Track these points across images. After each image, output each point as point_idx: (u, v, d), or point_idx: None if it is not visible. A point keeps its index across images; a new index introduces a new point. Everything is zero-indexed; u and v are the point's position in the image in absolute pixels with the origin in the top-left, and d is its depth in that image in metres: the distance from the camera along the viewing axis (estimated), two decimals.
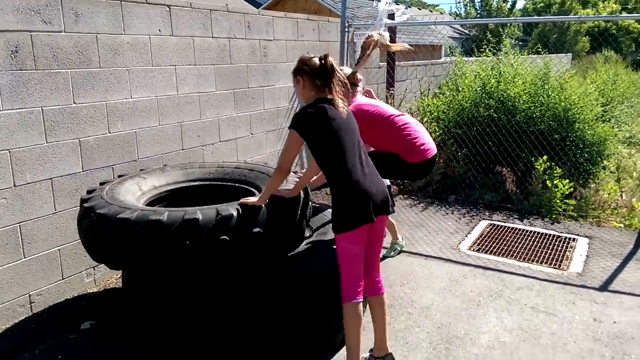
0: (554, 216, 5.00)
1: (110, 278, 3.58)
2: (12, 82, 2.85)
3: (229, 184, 3.37)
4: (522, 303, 3.32)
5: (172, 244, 2.42)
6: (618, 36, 33.94)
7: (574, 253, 4.15)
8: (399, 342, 2.89)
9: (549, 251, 4.20)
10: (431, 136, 3.50)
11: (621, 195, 5.24)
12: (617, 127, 6.08)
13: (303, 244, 2.97)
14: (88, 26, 3.21)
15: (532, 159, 5.34)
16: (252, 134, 4.75)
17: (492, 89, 5.93)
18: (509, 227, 4.75)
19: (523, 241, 4.42)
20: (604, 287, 3.54)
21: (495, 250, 4.22)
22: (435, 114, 6.15)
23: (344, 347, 2.52)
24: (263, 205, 2.56)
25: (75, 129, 3.21)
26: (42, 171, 3.06)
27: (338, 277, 2.47)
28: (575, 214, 4.99)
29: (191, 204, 3.26)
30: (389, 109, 3.40)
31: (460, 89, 6.45)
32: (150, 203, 3.10)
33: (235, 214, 2.48)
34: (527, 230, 4.66)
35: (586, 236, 4.51)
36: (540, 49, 9.55)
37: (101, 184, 3.08)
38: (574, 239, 4.45)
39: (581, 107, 5.59)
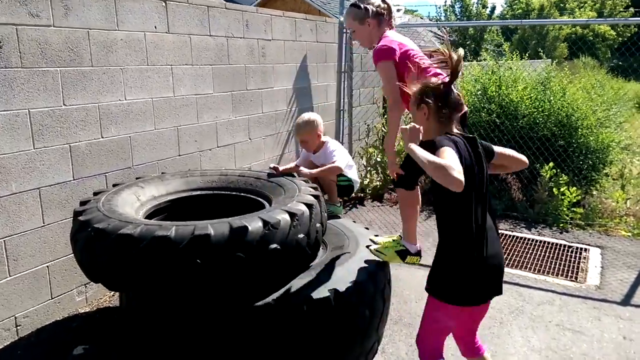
0: (561, 225, 4.86)
1: (102, 296, 3.28)
2: None
3: (233, 193, 3.11)
4: (546, 320, 3.14)
5: (181, 262, 2.16)
6: (595, 42, 34.66)
7: (589, 264, 4.01)
8: None
9: (563, 262, 4.04)
10: None
11: (626, 203, 5.14)
12: (617, 132, 6.00)
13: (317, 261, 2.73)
14: (79, 20, 2.93)
15: (537, 166, 5.21)
16: (250, 138, 4.49)
17: (493, 93, 5.79)
18: (517, 237, 4.59)
19: (534, 252, 4.26)
20: (626, 302, 3.39)
21: (508, 262, 4.04)
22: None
23: None
24: (282, 219, 2.32)
25: (66, 134, 2.92)
26: (29, 180, 2.76)
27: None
28: (583, 223, 4.87)
29: (194, 215, 3.01)
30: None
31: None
32: (150, 215, 2.83)
33: (250, 228, 2.23)
34: (536, 240, 4.51)
35: (597, 246, 4.38)
36: (521, 55, 9.54)
37: (95, 193, 2.80)
38: (585, 249, 4.31)
39: (584, 112, 5.49)
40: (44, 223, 2.86)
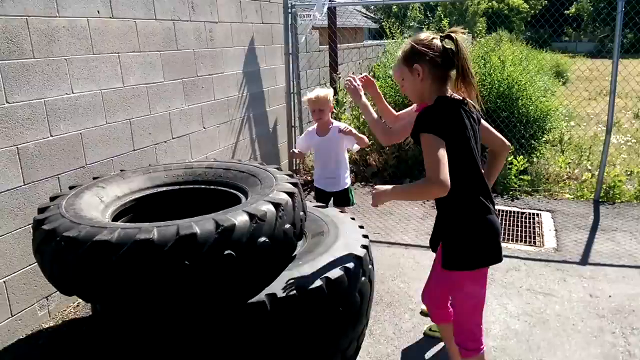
0: (510, 192, 5.09)
1: (66, 308, 3.04)
2: None
3: (203, 187, 2.96)
4: (517, 286, 3.28)
5: (167, 266, 2.02)
6: (510, 16, 36.36)
7: (543, 228, 4.23)
8: (411, 344, 2.71)
9: (519, 228, 4.24)
10: None
11: (567, 167, 5.46)
12: (552, 101, 6.34)
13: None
14: (16, 7, 2.63)
15: None
16: (204, 127, 4.30)
17: None
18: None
19: None
20: (584, 261, 3.61)
21: None
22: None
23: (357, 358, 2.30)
24: (268, 210, 2.23)
25: (12, 134, 2.63)
26: None
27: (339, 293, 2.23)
28: (530, 189, 5.12)
29: (164, 214, 2.83)
30: None
31: None
32: (116, 216, 2.63)
33: (237, 222, 2.12)
34: None
35: (548, 210, 4.63)
36: (445, 28, 9.84)
37: (52, 198, 2.55)
38: (537, 214, 4.55)
39: (523, 83, 5.74)
40: None
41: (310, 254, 2.58)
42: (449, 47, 1.85)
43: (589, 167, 5.51)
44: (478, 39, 8.24)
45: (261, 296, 2.20)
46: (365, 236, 2.72)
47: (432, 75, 1.89)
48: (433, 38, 1.89)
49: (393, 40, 7.89)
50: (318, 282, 2.29)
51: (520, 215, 4.54)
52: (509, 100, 5.60)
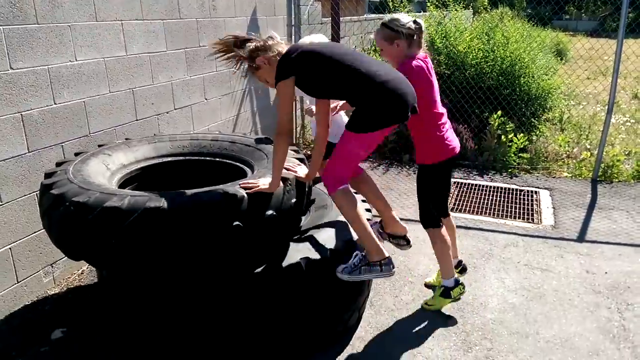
0: (509, 170, 5.12)
1: (71, 275, 3.07)
2: None
3: (208, 159, 2.96)
4: (515, 261, 3.34)
5: (176, 234, 2.04)
6: None
7: (541, 206, 4.28)
8: (412, 316, 2.77)
9: (518, 205, 4.28)
10: None
11: (566, 146, 5.48)
12: (554, 79, 6.33)
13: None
14: None
15: (485, 115, 5.40)
16: (206, 99, 4.27)
17: (440, 45, 5.86)
18: (472, 184, 4.79)
19: (491, 197, 4.47)
20: (581, 238, 3.67)
21: (468, 208, 4.22)
22: None
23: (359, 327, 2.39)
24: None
25: (16, 101, 2.61)
26: None
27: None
28: (529, 167, 5.15)
29: (170, 183, 2.85)
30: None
31: None
32: (122, 185, 2.64)
33: (246, 195, 2.14)
34: (490, 186, 4.73)
35: (546, 188, 4.67)
36: (449, 3, 9.73)
37: (58, 164, 2.55)
38: (535, 192, 4.59)
39: (526, 60, 5.72)
40: (1, 202, 2.59)
41: (314, 226, 2.62)
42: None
43: (588, 147, 5.54)
44: (481, 15, 8.15)
45: (267, 266, 2.24)
46: (368, 210, 2.76)
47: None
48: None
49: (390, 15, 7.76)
50: (322, 252, 2.34)
51: (518, 192, 4.58)
52: (511, 78, 5.59)
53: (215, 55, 2.31)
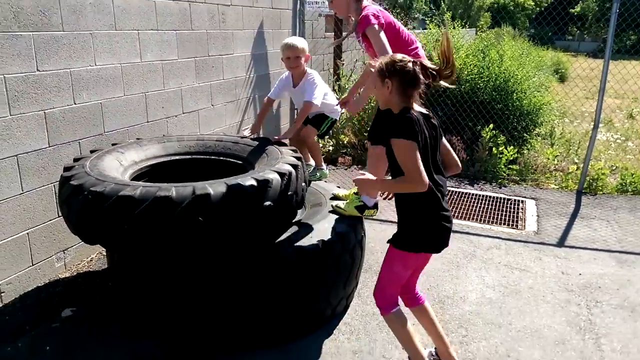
0: (499, 181, 5.37)
1: (80, 262, 3.32)
2: None
3: (213, 157, 3.22)
4: (496, 262, 3.57)
5: (183, 221, 2.29)
6: (515, 12, 36.40)
7: (526, 214, 4.51)
8: None
9: (504, 213, 4.52)
10: None
11: (555, 160, 5.73)
12: (545, 96, 6.59)
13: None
14: None
15: (478, 128, 5.66)
16: (212, 105, 4.55)
17: (438, 60, 6.13)
18: (463, 193, 5.04)
19: (479, 205, 4.71)
20: (561, 243, 3.90)
21: (457, 214, 4.46)
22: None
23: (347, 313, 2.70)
24: (274, 178, 2.49)
25: (40, 100, 2.89)
26: (7, 147, 2.73)
27: (330, 253, 2.53)
28: (518, 178, 5.40)
29: (177, 179, 3.10)
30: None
31: None
32: (134, 179, 2.89)
33: (246, 186, 2.39)
34: (479, 195, 4.97)
35: (532, 198, 4.91)
36: (448, 21, 10.07)
37: (76, 159, 2.81)
38: (522, 201, 4.83)
39: (518, 78, 5.99)
40: (22, 190, 2.85)
41: (308, 220, 2.87)
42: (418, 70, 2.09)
43: (576, 161, 5.78)
44: (479, 34, 8.48)
45: (265, 251, 2.49)
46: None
47: (400, 90, 2.11)
48: (408, 61, 2.10)
49: None
50: (314, 243, 2.59)
51: (505, 201, 4.82)
52: (504, 93, 5.85)
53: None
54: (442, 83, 2.23)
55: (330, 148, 6.06)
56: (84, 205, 2.37)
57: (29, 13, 2.77)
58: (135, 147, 3.08)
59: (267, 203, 2.45)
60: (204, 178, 2.93)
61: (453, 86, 2.28)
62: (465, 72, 5.92)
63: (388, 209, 4.51)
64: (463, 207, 4.65)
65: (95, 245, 2.59)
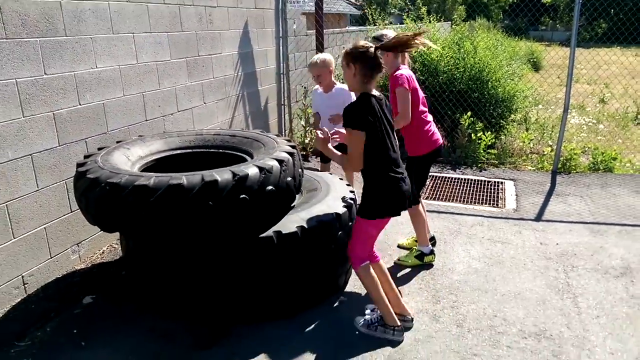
0: (479, 165, 5.67)
1: (94, 254, 3.49)
2: None
3: (212, 150, 3.43)
4: (480, 237, 3.85)
5: (193, 206, 2.50)
6: (489, 5, 37.03)
7: (506, 194, 4.81)
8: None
9: (485, 194, 4.81)
10: None
11: (530, 143, 6.06)
12: (519, 84, 6.92)
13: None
14: None
15: (457, 116, 5.95)
16: (205, 103, 4.74)
17: (415, 54, 6.41)
18: (446, 177, 5.32)
19: (461, 188, 5.00)
20: (538, 218, 4.20)
21: (441, 197, 4.74)
22: None
23: (346, 288, 2.98)
24: (274, 165, 2.71)
25: (49, 102, 3.06)
26: (22, 147, 2.90)
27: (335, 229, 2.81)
28: (496, 162, 5.70)
29: (181, 172, 3.30)
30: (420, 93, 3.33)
31: None
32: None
33: (250, 173, 2.61)
34: (461, 179, 5.26)
35: (511, 179, 5.21)
36: (423, 16, 10.38)
37: (86, 156, 3.00)
38: (501, 182, 5.13)
39: (493, 67, 6.30)
40: (38, 187, 3.02)
41: (306, 204, 3.10)
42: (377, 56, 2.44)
43: (550, 143, 6.12)
44: (454, 27, 8.79)
45: (269, 232, 2.71)
46: (352, 192, 3.26)
47: (362, 74, 2.46)
48: (369, 47, 2.45)
49: (375, 27, 8.38)
50: (313, 223, 2.82)
51: (486, 183, 5.12)
52: (480, 83, 6.15)
53: None
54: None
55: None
56: (102, 196, 2.56)
57: (35, 20, 2.94)
58: (140, 143, 3.27)
59: (269, 188, 2.68)
60: (206, 169, 3.15)
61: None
62: (442, 64, 6.20)
63: None
64: (447, 190, 4.93)
65: (114, 233, 2.78)
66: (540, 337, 2.63)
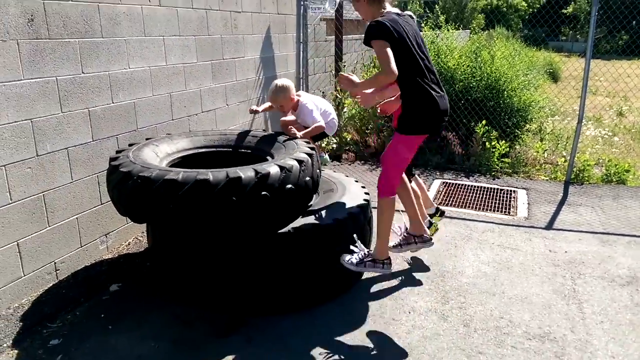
0: (493, 173, 5.76)
1: (120, 245, 3.68)
2: (30, 51, 2.85)
3: (234, 150, 3.59)
4: (490, 242, 3.95)
5: (218, 200, 2.66)
6: (508, 14, 36.93)
7: (518, 202, 4.90)
8: (402, 278, 3.37)
9: (498, 201, 4.91)
10: None
11: (544, 153, 6.13)
12: (535, 94, 7.00)
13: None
14: None
15: (472, 124, 6.06)
16: (227, 104, 4.92)
17: (433, 61, 6.53)
18: (459, 184, 5.43)
19: (474, 195, 5.10)
20: (549, 227, 4.29)
21: (454, 203, 4.85)
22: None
23: (358, 284, 3.05)
24: (294, 165, 2.86)
25: (85, 99, 3.26)
26: (60, 141, 3.10)
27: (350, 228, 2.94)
28: (510, 171, 5.79)
29: (206, 168, 3.47)
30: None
31: None
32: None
33: (271, 172, 2.76)
34: (475, 186, 5.36)
35: (523, 188, 5.30)
36: (442, 24, 10.48)
37: (118, 152, 3.18)
38: (514, 191, 5.22)
39: (509, 77, 6.39)
40: (72, 179, 3.22)
41: (322, 203, 3.25)
42: None
43: (564, 154, 6.18)
44: (471, 36, 8.90)
45: (287, 229, 2.86)
46: (367, 193, 3.40)
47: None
48: None
49: None
50: (329, 222, 2.96)
51: (499, 191, 5.21)
52: (495, 92, 6.25)
53: None
54: None
55: (334, 145, 6.44)
56: (134, 189, 2.74)
57: (75, 21, 3.13)
58: (167, 141, 3.45)
59: (289, 186, 2.83)
60: (229, 167, 3.32)
61: None
62: (459, 72, 6.32)
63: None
64: (460, 196, 5.04)
65: (143, 224, 2.96)
66: (544, 339, 2.74)
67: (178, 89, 4.17)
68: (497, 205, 4.82)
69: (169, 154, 3.37)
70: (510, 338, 2.75)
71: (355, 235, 2.99)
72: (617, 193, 5.17)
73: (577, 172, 5.55)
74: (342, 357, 2.59)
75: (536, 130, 6.69)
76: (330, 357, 2.59)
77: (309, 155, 3.09)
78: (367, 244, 3.27)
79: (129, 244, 3.71)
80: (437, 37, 7.05)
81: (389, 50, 2.57)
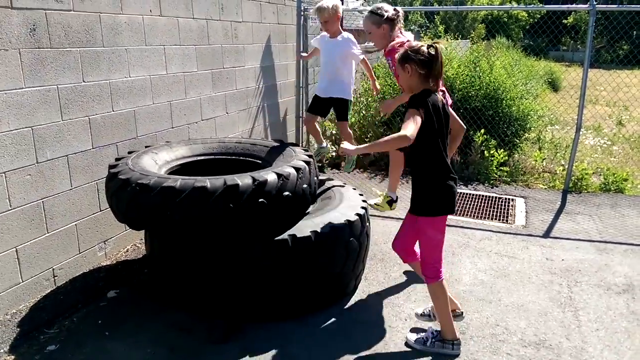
0: (491, 181, 5.78)
1: (118, 252, 3.70)
2: (31, 60, 2.90)
3: (233, 157, 3.63)
4: (487, 250, 3.97)
5: (216, 207, 2.68)
6: (509, 24, 37.11)
7: (516, 210, 4.92)
8: (399, 287, 3.39)
9: (496, 210, 4.93)
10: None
11: (542, 162, 6.16)
12: (534, 104, 7.04)
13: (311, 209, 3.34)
14: (92, 5, 3.28)
15: (471, 133, 6.09)
16: (227, 113, 4.96)
17: None
18: (458, 192, 5.44)
19: (473, 203, 5.12)
20: (546, 235, 4.30)
21: None
22: (381, 94, 6.71)
23: (356, 292, 3.11)
24: (291, 172, 2.89)
25: (86, 107, 3.29)
26: (60, 148, 3.13)
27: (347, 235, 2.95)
28: (509, 179, 5.82)
29: (205, 176, 3.50)
30: None
31: None
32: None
33: (269, 179, 2.79)
34: (473, 194, 5.38)
35: (522, 196, 5.32)
36: (441, 34, 10.54)
37: (117, 159, 3.22)
38: (512, 199, 5.24)
39: (507, 86, 6.44)
40: (71, 186, 3.24)
41: (320, 210, 3.27)
42: (432, 53, 2.49)
43: (562, 163, 6.21)
44: (471, 45, 8.96)
45: (284, 235, 2.88)
46: (364, 201, 3.42)
47: (418, 73, 2.52)
48: (422, 45, 2.55)
49: None
50: (326, 229, 2.98)
51: (497, 199, 5.23)
52: (494, 101, 6.29)
53: None
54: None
55: (334, 154, 6.47)
56: (132, 196, 2.77)
57: (76, 31, 3.18)
58: (167, 149, 3.49)
59: (286, 193, 2.86)
60: (228, 175, 3.35)
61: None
62: (458, 82, 6.36)
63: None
64: (458, 205, 5.05)
65: (141, 230, 2.98)
66: (540, 346, 2.75)
67: (178, 98, 4.21)
68: (495, 213, 4.84)
69: (167, 162, 3.40)
70: (506, 345, 2.75)
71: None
72: (615, 202, 5.18)
73: (576, 180, 5.57)
74: None
75: (535, 139, 6.72)
76: None
77: (307, 162, 3.13)
78: (365, 253, 3.29)
79: (127, 251, 3.73)
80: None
81: (419, 119, 2.44)
